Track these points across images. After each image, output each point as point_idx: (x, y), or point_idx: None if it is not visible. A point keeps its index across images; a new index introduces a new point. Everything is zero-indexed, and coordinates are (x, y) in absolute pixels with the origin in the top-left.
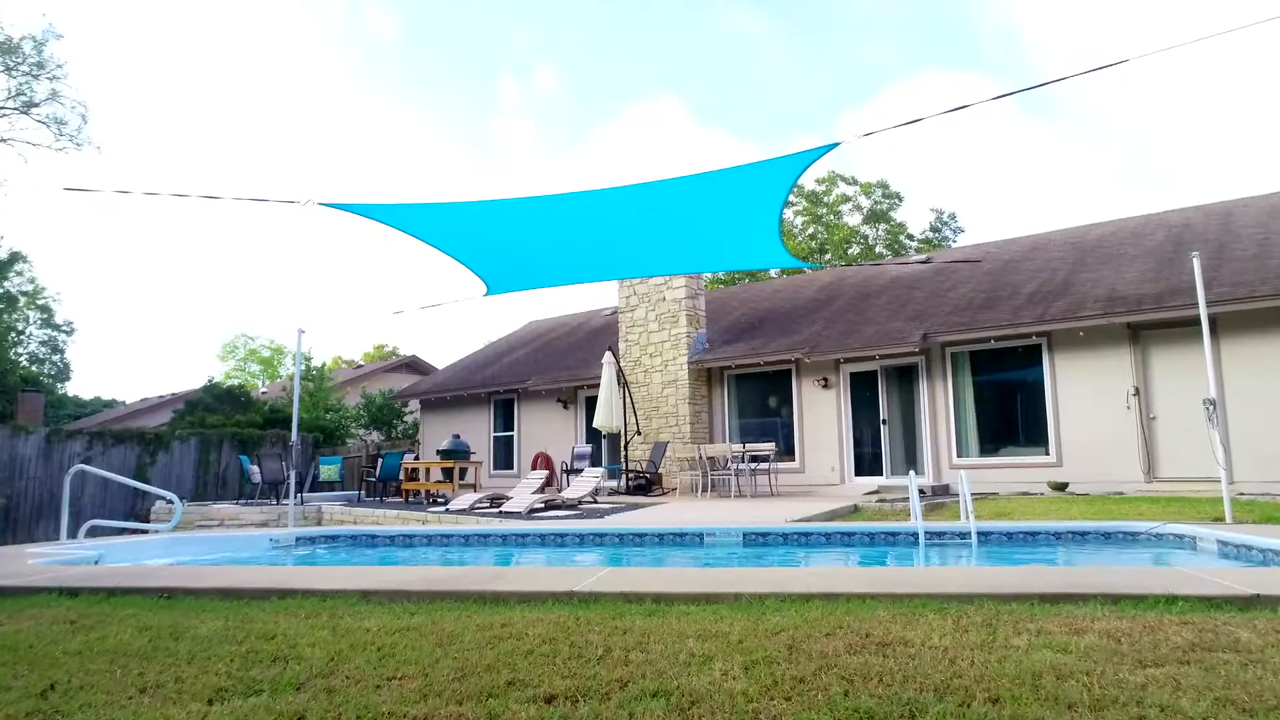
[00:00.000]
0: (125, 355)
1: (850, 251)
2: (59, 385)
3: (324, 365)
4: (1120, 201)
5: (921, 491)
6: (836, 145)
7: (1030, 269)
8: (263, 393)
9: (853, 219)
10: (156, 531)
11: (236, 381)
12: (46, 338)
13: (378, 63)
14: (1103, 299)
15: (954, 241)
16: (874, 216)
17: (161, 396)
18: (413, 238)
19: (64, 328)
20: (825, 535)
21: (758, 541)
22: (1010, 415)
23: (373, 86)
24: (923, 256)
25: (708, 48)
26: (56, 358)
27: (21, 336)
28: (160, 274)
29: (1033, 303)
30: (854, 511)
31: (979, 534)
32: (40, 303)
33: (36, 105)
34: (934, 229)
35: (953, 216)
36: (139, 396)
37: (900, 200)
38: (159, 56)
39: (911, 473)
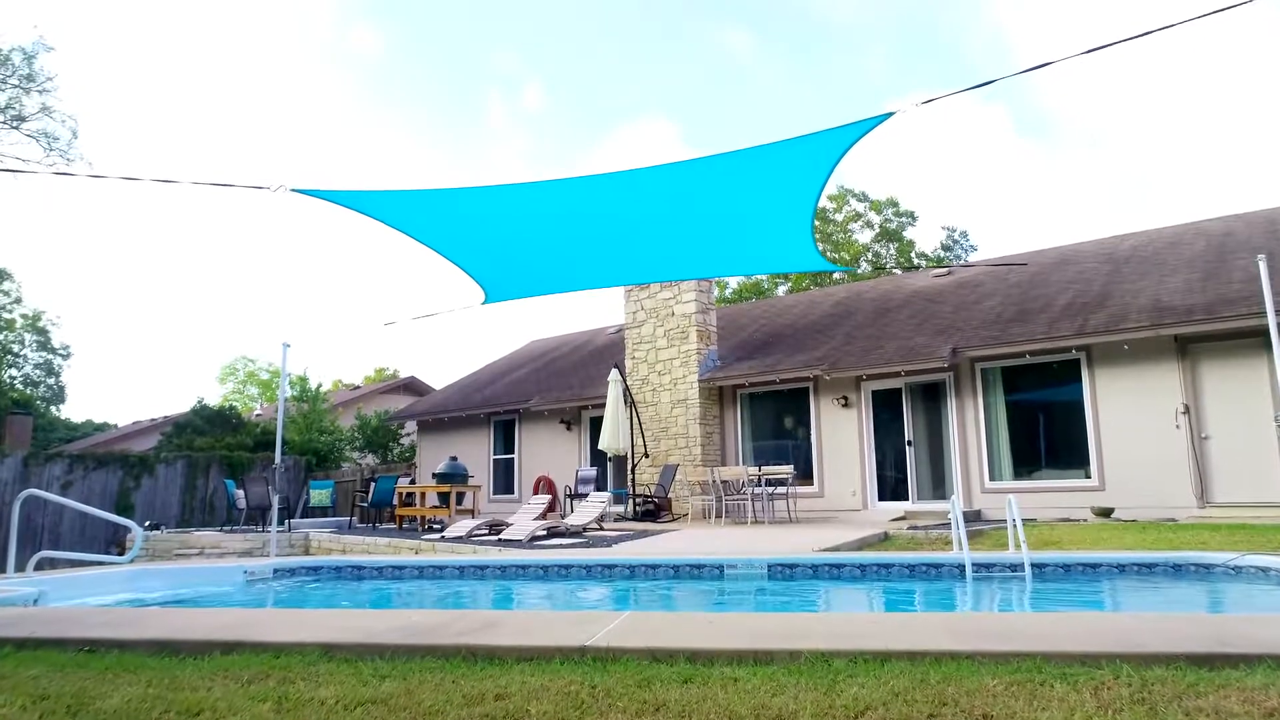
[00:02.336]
0: (122, 379)
1: (860, 270)
2: (53, 408)
3: (319, 386)
4: (1123, 218)
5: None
6: (890, 116)
7: (1062, 281)
8: (257, 414)
9: (863, 236)
10: (114, 563)
11: (236, 404)
12: (42, 361)
13: (364, 79)
14: (1147, 310)
15: (967, 259)
16: (885, 234)
17: (154, 419)
18: (403, 234)
19: (60, 351)
20: (859, 567)
21: (784, 574)
22: (1047, 436)
23: (359, 101)
24: (961, 262)
25: (699, 69)
26: (52, 381)
27: (17, 359)
28: (157, 296)
29: (1068, 315)
30: (885, 540)
31: (1032, 566)
32: (40, 325)
33: (25, 120)
34: (945, 247)
35: (964, 234)
36: (131, 419)
37: (913, 219)
38: (144, 78)
39: (954, 497)
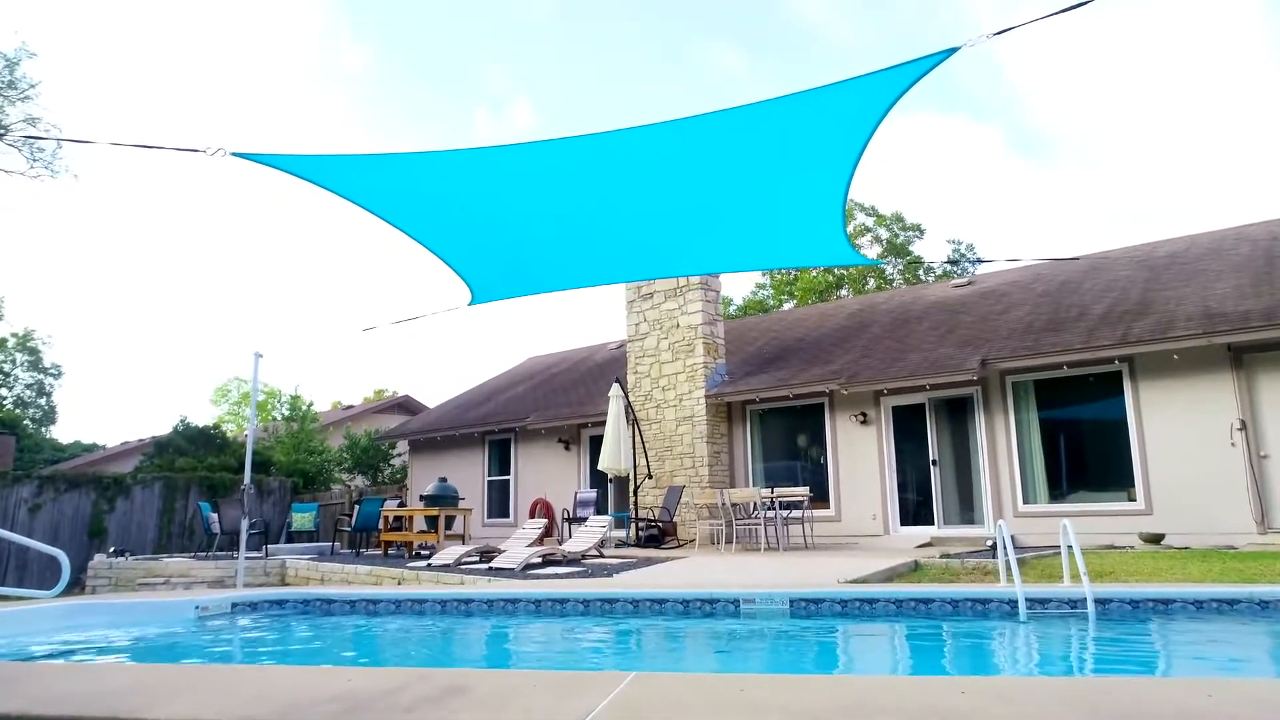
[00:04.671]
0: (115, 399)
1: (868, 286)
2: (44, 429)
3: (310, 405)
4: (1130, 229)
5: (1015, 543)
6: (955, 51)
7: (1095, 289)
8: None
9: (871, 251)
10: (35, 598)
11: (231, 425)
12: (33, 381)
13: (351, 91)
14: (1196, 317)
15: (974, 274)
16: (892, 249)
17: (141, 440)
18: (370, 213)
19: (51, 371)
20: (894, 603)
21: (809, 611)
22: (1085, 455)
23: (347, 111)
24: (1007, 258)
25: (689, 88)
26: (43, 401)
27: (6, 379)
28: (148, 314)
29: (1108, 323)
30: (915, 569)
31: (1094, 601)
32: (30, 345)
33: (8, 129)
34: (952, 261)
35: (970, 247)
36: (120, 440)
37: (921, 232)
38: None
39: (1000, 522)
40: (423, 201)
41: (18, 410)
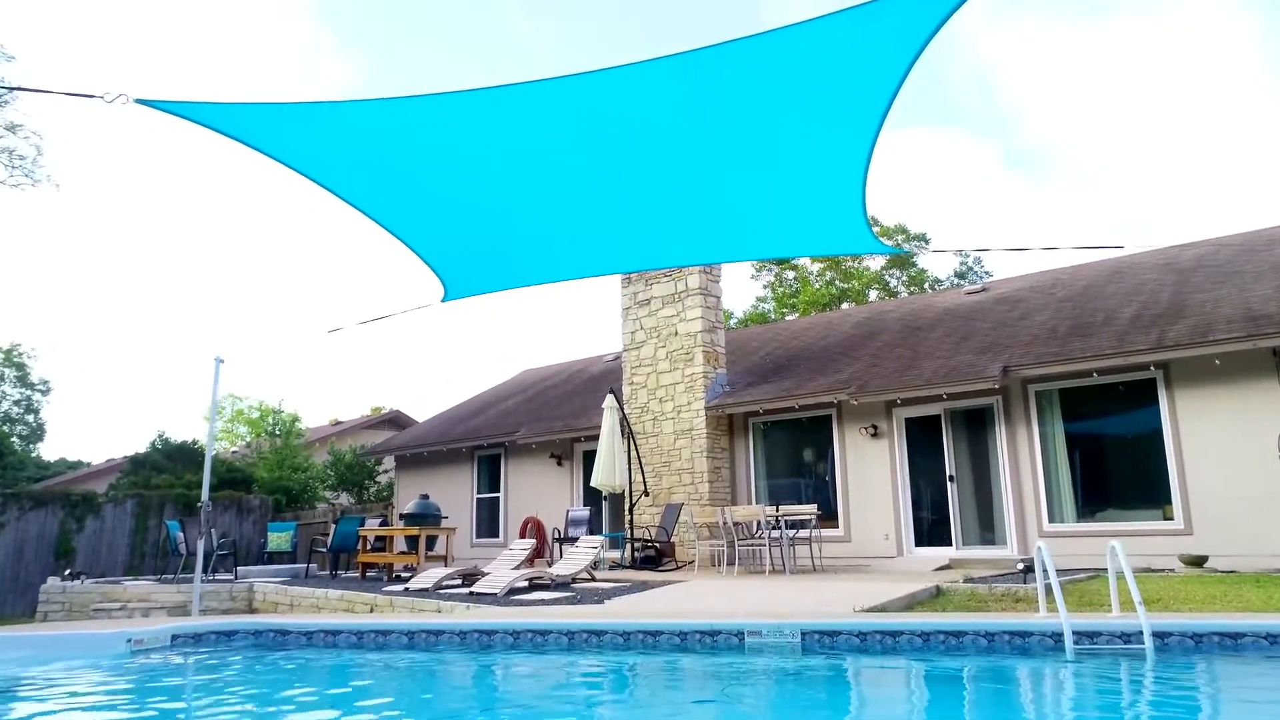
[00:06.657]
0: (108, 415)
1: (870, 299)
2: (32, 446)
3: (294, 419)
4: (1138, 237)
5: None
6: None
7: (1120, 293)
8: (233, 452)
9: (874, 262)
10: None
11: (223, 443)
12: (21, 397)
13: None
14: (1237, 320)
15: (984, 283)
16: (895, 260)
17: (127, 456)
18: (315, 182)
19: (39, 386)
20: (921, 635)
21: (824, 644)
22: (1117, 469)
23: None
24: (1044, 246)
25: None
26: (30, 418)
27: None
28: (140, 326)
29: (1139, 327)
30: (938, 596)
31: (1152, 635)
32: (16, 360)
33: None
34: (959, 274)
35: (978, 260)
36: (105, 457)
37: (926, 242)
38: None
39: (1040, 543)
40: (379, 170)
41: (4, 427)
